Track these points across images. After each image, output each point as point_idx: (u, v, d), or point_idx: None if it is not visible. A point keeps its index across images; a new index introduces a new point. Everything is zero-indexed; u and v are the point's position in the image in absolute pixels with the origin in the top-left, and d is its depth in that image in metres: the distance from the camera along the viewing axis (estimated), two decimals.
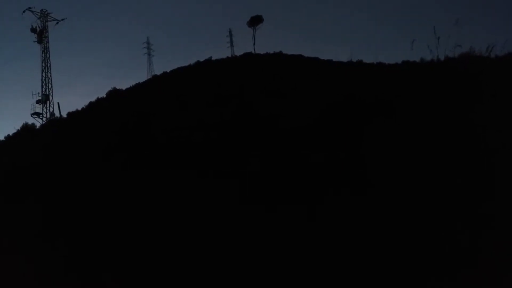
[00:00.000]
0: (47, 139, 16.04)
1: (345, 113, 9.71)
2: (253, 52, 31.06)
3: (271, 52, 27.21)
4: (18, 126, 22.84)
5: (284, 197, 7.51)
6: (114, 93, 24.38)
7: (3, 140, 20.95)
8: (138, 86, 24.71)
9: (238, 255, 6.74)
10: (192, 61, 27.47)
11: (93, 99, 24.20)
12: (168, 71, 26.43)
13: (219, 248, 6.86)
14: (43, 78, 36.97)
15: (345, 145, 8.72)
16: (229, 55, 30.73)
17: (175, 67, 27.52)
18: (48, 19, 38.04)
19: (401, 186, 7.36)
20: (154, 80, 25.74)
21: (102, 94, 23.54)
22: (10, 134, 21.60)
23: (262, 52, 28.60)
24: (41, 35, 37.10)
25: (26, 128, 24.30)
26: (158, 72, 42.43)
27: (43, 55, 37.21)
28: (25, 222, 8.02)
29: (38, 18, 37.71)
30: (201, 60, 27.23)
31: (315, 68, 19.01)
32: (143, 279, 6.74)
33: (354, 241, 6.74)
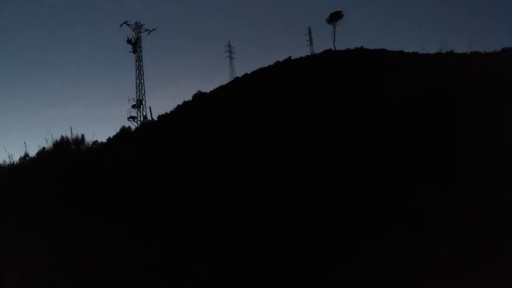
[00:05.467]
0: (140, 140, 17.56)
1: (425, 110, 9.00)
2: (333, 49, 30.38)
3: (352, 48, 26.44)
4: (117, 129, 25.56)
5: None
6: (199, 96, 25.85)
7: (105, 142, 23.53)
8: (220, 88, 25.82)
9: None
10: (272, 61, 27.94)
11: (180, 101, 26.03)
12: (249, 73, 27.24)
13: None
14: (137, 85, 40.36)
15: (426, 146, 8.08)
16: (309, 54, 30.40)
17: (256, 67, 28.27)
18: (141, 30, 41.56)
19: None
20: (235, 82, 26.63)
21: (188, 95, 25.20)
22: (111, 137, 24.24)
23: (342, 49, 27.94)
24: (136, 45, 40.68)
25: (124, 131, 26.98)
26: (239, 73, 44.00)
27: (137, 63, 40.75)
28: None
29: (133, 30, 41.40)
30: (281, 60, 27.56)
31: (398, 63, 17.97)
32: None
33: None
